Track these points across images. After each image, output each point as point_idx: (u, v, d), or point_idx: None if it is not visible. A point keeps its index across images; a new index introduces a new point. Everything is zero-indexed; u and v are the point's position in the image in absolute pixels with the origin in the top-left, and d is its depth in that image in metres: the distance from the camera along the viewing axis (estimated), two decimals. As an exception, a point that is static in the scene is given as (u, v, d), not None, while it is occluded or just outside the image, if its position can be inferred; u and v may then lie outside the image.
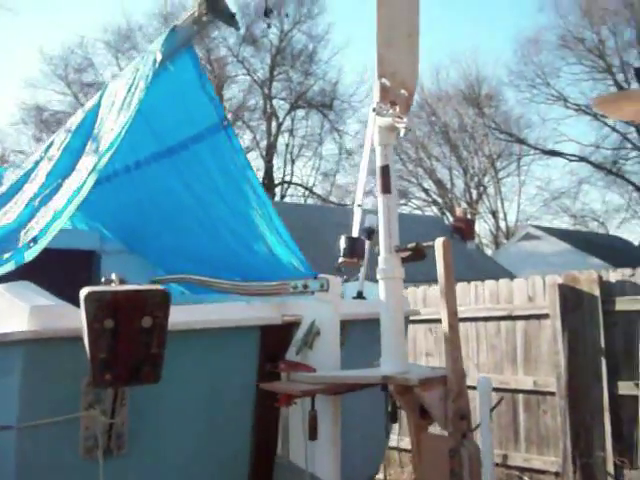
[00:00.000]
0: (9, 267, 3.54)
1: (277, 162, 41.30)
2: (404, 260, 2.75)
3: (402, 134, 2.79)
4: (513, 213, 45.67)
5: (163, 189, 5.36)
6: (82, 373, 2.61)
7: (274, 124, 40.18)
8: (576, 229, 40.87)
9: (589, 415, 6.89)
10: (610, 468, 6.66)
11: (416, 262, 2.72)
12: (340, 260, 2.98)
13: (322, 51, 40.25)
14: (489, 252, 39.87)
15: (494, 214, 44.90)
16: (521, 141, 41.33)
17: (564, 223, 43.01)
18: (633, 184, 38.06)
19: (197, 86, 4.59)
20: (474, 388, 7.08)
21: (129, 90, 4.32)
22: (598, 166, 38.61)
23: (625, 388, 6.67)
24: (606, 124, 36.94)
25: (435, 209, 44.73)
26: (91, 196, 6.00)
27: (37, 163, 4.47)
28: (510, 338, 7.73)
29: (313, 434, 2.79)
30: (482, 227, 43.97)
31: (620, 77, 36.85)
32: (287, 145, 41.79)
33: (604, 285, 6.89)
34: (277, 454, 3.06)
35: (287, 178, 41.31)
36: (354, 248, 2.92)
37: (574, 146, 50.90)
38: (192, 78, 4.57)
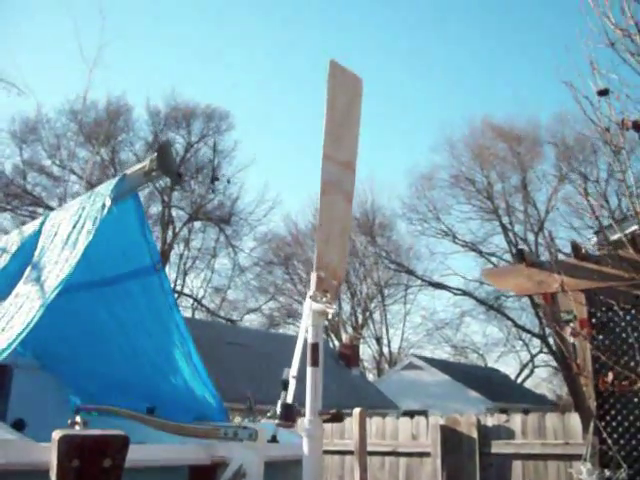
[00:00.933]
0: None
1: (169, 271, 41.30)
2: (324, 421, 3.29)
3: (329, 317, 3.43)
4: (397, 340, 46.95)
5: (88, 315, 5.59)
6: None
7: (170, 233, 40.42)
8: (457, 360, 42.43)
9: None
10: None
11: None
12: (276, 422, 3.45)
13: (227, 167, 41.10)
14: (371, 377, 40.67)
15: (378, 340, 46.06)
16: (410, 271, 43.03)
17: (445, 353, 44.59)
18: (512, 320, 40.17)
19: (137, 230, 5.03)
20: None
21: (74, 227, 4.69)
22: (480, 301, 40.56)
23: (496, 527, 7.27)
24: (489, 261, 39.23)
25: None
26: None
27: None
28: (393, 472, 8.24)
29: None
30: (366, 352, 44.90)
31: (505, 219, 39.48)
32: (181, 255, 42.03)
33: (482, 428, 7.57)
34: None
35: (178, 288, 41.31)
36: (289, 414, 3.40)
37: (459, 280, 53.40)
38: (133, 222, 5.01)
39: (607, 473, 5.62)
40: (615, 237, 5.81)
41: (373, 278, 45.65)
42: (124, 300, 5.42)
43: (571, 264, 5.74)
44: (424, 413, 8.48)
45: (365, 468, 3.01)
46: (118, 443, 2.87)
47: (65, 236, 4.75)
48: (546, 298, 5.82)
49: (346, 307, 46.36)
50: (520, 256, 5.93)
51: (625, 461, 5.55)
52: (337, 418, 3.24)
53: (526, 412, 7.78)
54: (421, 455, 7.97)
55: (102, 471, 2.84)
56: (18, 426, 4.68)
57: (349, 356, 30.31)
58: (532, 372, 43.59)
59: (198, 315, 41.01)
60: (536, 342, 40.96)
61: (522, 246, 36.64)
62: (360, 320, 46.26)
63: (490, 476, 7.44)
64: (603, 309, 5.75)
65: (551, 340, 37.81)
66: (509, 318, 40.34)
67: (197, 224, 42.11)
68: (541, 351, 41.26)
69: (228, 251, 42.33)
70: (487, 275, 6.51)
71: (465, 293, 41.12)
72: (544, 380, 44.67)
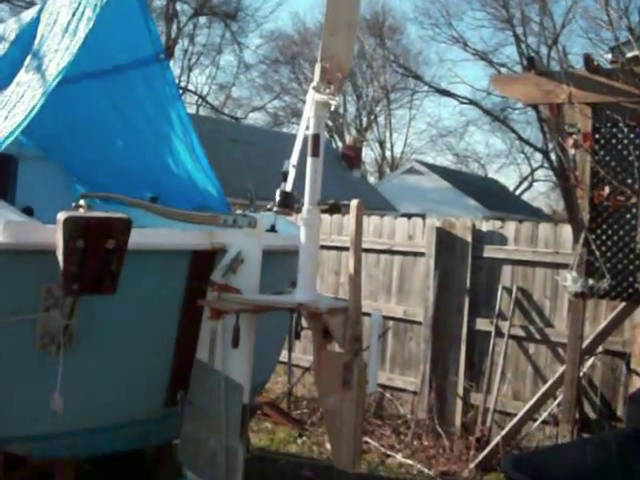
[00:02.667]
0: None
1: (173, 67, 40.46)
2: (322, 212, 3.37)
3: (332, 109, 3.41)
4: (400, 145, 47.06)
5: (90, 105, 5.60)
6: (44, 281, 3.13)
7: (174, 27, 39.18)
8: (457, 168, 42.73)
9: (448, 345, 7.85)
10: (460, 390, 7.70)
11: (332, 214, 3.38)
12: (275, 209, 3.53)
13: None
14: (372, 180, 41.13)
15: (381, 144, 46.15)
16: (417, 77, 42.26)
17: (447, 161, 44.95)
18: (516, 132, 39.98)
19: (139, 19, 4.90)
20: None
21: (74, 14, 4.56)
22: (486, 111, 40.14)
23: (482, 324, 7.66)
24: (499, 72, 38.27)
25: (325, 132, 45.27)
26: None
27: None
28: (387, 270, 8.55)
29: (235, 343, 3.42)
30: (368, 155, 45.08)
31: (519, 30, 38.08)
32: (185, 51, 41.04)
33: (476, 233, 7.77)
34: (195, 359, 3.68)
35: (182, 84, 40.68)
36: (287, 201, 3.47)
37: (467, 89, 52.55)
38: (135, 11, 4.87)
39: (590, 282, 5.85)
40: (631, 54, 5.64)
41: (380, 81, 44.91)
42: (125, 89, 5.38)
43: (581, 76, 5.60)
44: (422, 217, 8.60)
45: (359, 261, 3.13)
46: (121, 225, 2.98)
47: (65, 24, 4.62)
48: (552, 109, 5.75)
49: (351, 109, 46.02)
50: (530, 64, 5.79)
51: (609, 272, 5.76)
52: (335, 209, 3.32)
53: (521, 222, 7.97)
54: (415, 255, 8.23)
55: (106, 252, 2.96)
56: (26, 214, 4.80)
57: (351, 157, 30.48)
58: (531, 185, 44.15)
59: (202, 112, 40.73)
60: (538, 156, 41.16)
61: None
62: (364, 123, 46.04)
63: (480, 278, 7.73)
64: (608, 124, 5.69)
65: (553, 155, 37.84)
66: (513, 130, 40.13)
67: (202, 19, 40.78)
68: (542, 166, 41.52)
69: (233, 48, 41.46)
70: (496, 81, 6.37)
71: (471, 102, 40.60)
72: (542, 194, 45.42)
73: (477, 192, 33.25)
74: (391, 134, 46.26)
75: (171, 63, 39.48)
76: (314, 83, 3.41)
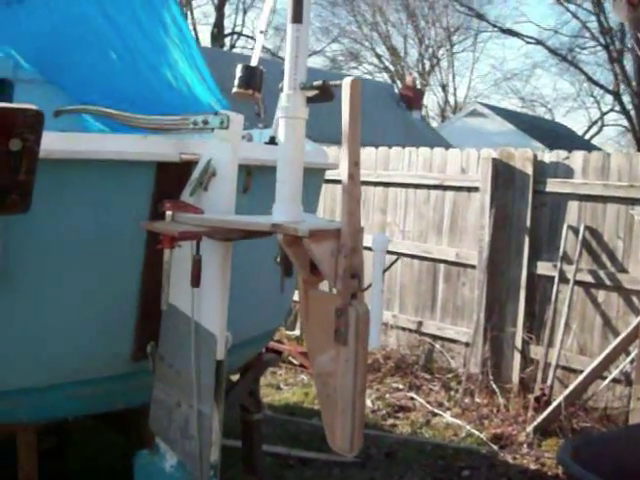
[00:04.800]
0: None
1: (228, 11, 39.55)
2: (309, 100, 2.49)
3: None
4: (463, 89, 45.36)
5: (80, 16, 4.90)
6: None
7: (228, -31, 38.06)
8: (523, 112, 40.79)
9: (505, 291, 6.97)
10: (518, 343, 6.82)
11: (323, 103, 2.46)
12: (234, 90, 2.69)
13: None
14: (435, 125, 39.70)
15: (444, 87, 44.43)
16: (480, 16, 40.21)
17: (512, 105, 42.88)
18: (585, 74, 37.76)
19: None
20: (392, 254, 7.05)
21: None
22: (554, 52, 38.00)
23: (543, 268, 6.72)
24: (568, 10, 36.08)
25: (386, 76, 43.88)
26: (1, 19, 5.52)
27: None
28: (438, 207, 7.66)
29: (196, 281, 2.62)
30: (431, 99, 43.53)
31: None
32: (240, -6, 39.93)
33: (538, 164, 6.79)
34: (166, 301, 2.90)
35: (237, 29, 39.68)
36: (250, 78, 2.63)
37: (533, 28, 50.16)
38: None
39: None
40: None
41: (442, 23, 42.99)
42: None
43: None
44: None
45: (357, 162, 2.24)
46: (27, 119, 2.16)
47: None
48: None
49: (413, 53, 44.33)
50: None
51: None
52: (326, 94, 2.42)
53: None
54: (469, 190, 7.29)
55: (8, 155, 2.16)
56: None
57: (410, 98, 29.16)
58: (600, 130, 41.73)
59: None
60: (608, 99, 38.72)
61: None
62: (427, 67, 44.36)
63: (542, 215, 6.78)
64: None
65: (625, 98, 35.77)
66: (583, 72, 37.79)
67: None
68: (612, 109, 39.08)
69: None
70: (616, 6, 5.35)
71: (538, 42, 38.41)
72: (611, 139, 42.92)
73: (543, 135, 31.54)
74: (454, 77, 44.48)
75: (226, 7, 38.82)
76: None
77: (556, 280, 6.56)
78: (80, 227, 2.78)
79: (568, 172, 6.63)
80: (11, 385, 2.89)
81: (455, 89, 44.59)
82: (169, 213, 2.78)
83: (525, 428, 5.91)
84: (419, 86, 32.64)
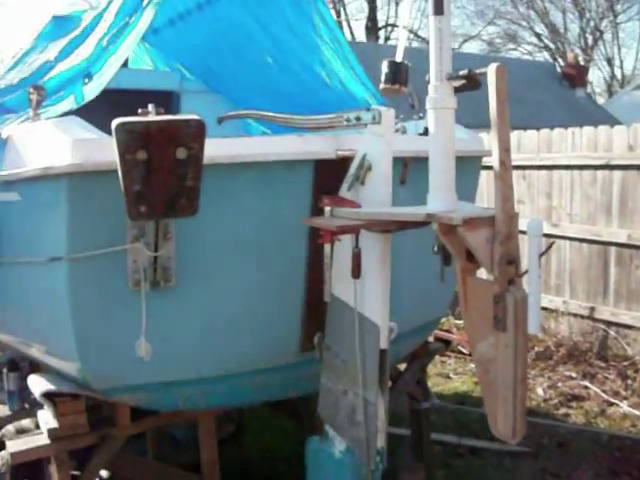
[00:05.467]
0: (69, 104, 3.47)
1: (380, 3, 39.61)
2: (457, 90, 2.50)
3: None
4: (630, 60, 42.79)
5: (234, 24, 5.17)
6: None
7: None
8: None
9: (684, 271, 6.58)
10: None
11: (470, 92, 2.46)
12: (381, 87, 2.74)
13: None
14: (602, 101, 37.77)
15: (609, 61, 42.09)
16: (646, -20, 37.82)
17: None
18: None
19: None
20: (559, 238, 6.82)
21: None
22: None
23: None
24: None
25: (547, 55, 42.26)
26: (167, 35, 5.91)
27: (110, 2, 4.30)
28: (606, 188, 7.33)
29: (356, 272, 2.70)
30: (596, 75, 41.43)
31: None
32: (394, -15, 39.77)
33: None
34: (329, 293, 3.02)
35: (391, 21, 39.58)
36: (397, 74, 2.66)
37: None
38: None
39: None
40: None
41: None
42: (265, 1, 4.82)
43: None
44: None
45: (507, 148, 2.22)
46: (190, 129, 2.33)
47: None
48: None
49: (573, 28, 42.35)
50: None
51: None
52: (472, 82, 2.43)
53: None
54: (639, 168, 6.94)
55: (177, 163, 2.34)
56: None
57: (573, 75, 27.89)
58: None
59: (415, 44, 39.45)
60: None
61: None
62: (590, 41, 42.21)
63: None
64: None
65: None
66: None
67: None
68: None
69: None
70: None
71: None
72: None
73: None
74: (620, 50, 41.86)
75: (378, -1, 38.84)
76: None
77: None
78: (247, 228, 2.95)
79: None
80: (193, 374, 3.12)
81: (622, 62, 42.17)
82: (328, 209, 2.89)
83: None
84: (582, 62, 31.14)
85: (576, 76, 28.08)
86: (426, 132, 3.49)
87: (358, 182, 2.84)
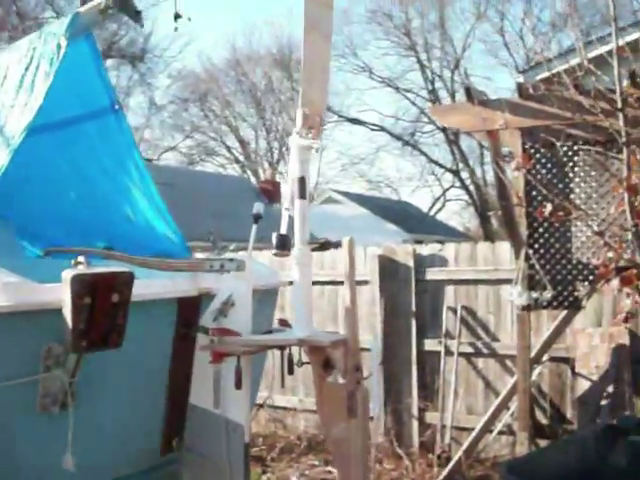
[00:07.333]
0: None
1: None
2: (312, 250, 3.55)
3: (315, 152, 3.61)
4: (313, 176, 47.31)
5: (43, 160, 5.42)
6: (45, 341, 3.15)
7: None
8: (372, 194, 43.39)
9: (399, 368, 8.08)
10: (415, 411, 7.92)
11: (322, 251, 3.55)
12: (273, 252, 3.65)
13: (138, 2, 38.60)
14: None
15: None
16: (326, 107, 42.56)
17: (361, 188, 45.45)
18: (426, 155, 41.16)
19: (92, 70, 4.86)
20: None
21: (27, 68, 4.49)
22: (396, 136, 41.18)
23: (430, 345, 7.93)
24: (406, 97, 39.56)
25: (237, 167, 45.53)
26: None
27: None
28: (332, 300, 8.72)
29: (239, 384, 3.51)
30: (284, 189, 44.69)
31: (423, 56, 39.49)
32: (93, 95, 40.08)
33: (417, 257, 8.06)
34: (190, 405, 3.75)
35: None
36: (284, 243, 3.61)
37: (376, 115, 53.73)
38: (88, 62, 4.82)
39: (534, 294, 6.20)
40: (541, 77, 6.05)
41: (289, 113, 45.27)
42: (80, 142, 5.35)
43: (515, 103, 6.00)
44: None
45: (354, 293, 3.30)
46: (126, 279, 3.06)
47: (18, 79, 4.59)
48: (491, 135, 6.09)
49: (262, 143, 46.22)
50: (468, 93, 6.12)
51: (550, 283, 6.12)
52: (325, 247, 3.50)
53: (441, 242, 8.27)
54: (360, 283, 8.36)
55: (112, 306, 3.03)
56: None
57: (270, 191, 30.20)
58: (444, 206, 45.23)
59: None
60: (448, 177, 42.33)
61: (439, 83, 37.08)
62: (276, 156, 46.28)
63: (424, 301, 8.01)
64: (538, 147, 6.06)
65: (463, 174, 39.20)
66: (423, 153, 41.25)
67: (110, 62, 40.16)
68: (453, 186, 42.74)
69: (143, 89, 40.92)
70: (434, 112, 6.67)
71: (382, 129, 41.59)
72: (455, 213, 46.51)
73: (394, 216, 33.88)
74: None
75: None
76: (297, 129, 3.60)
77: (442, 354, 7.77)
78: (128, 353, 3.58)
79: (443, 261, 7.95)
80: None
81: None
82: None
83: (433, 483, 6.96)
84: (276, 178, 34.13)
85: (273, 191, 30.45)
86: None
87: (222, 315, 3.68)
